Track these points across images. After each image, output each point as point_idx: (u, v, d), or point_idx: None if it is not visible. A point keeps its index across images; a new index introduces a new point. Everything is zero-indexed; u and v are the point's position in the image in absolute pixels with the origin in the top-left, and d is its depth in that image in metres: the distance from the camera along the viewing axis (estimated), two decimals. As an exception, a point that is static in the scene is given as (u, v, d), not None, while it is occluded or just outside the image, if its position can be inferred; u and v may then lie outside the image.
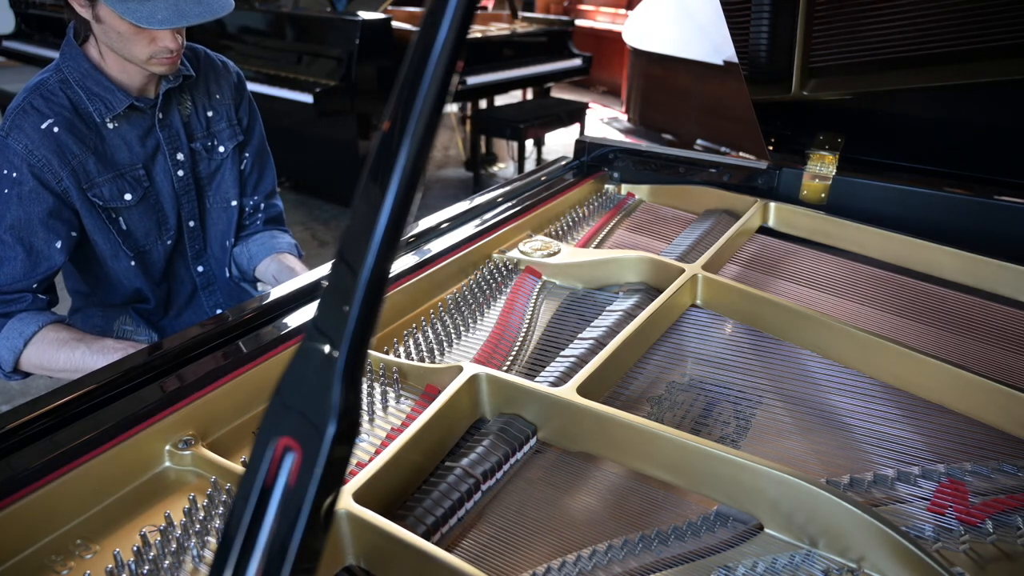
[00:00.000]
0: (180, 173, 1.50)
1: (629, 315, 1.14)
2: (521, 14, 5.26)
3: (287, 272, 1.57)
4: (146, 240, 1.48)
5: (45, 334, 1.32)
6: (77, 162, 1.34)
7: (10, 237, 1.31)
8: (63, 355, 1.29)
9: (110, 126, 1.39)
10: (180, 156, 1.50)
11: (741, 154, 4.03)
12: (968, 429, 0.93)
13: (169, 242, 1.53)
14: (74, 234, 1.38)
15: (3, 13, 5.75)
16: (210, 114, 1.55)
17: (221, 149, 1.57)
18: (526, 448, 0.90)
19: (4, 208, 1.30)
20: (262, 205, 1.69)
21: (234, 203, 1.62)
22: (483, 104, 5.09)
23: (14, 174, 1.30)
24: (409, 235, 1.32)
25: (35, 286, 1.35)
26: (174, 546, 0.75)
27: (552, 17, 5.64)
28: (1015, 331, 1.15)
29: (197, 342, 0.98)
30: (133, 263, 1.47)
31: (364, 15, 3.92)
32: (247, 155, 1.63)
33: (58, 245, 1.35)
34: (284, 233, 1.72)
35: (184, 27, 1.31)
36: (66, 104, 1.35)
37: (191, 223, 1.56)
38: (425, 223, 1.37)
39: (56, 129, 1.32)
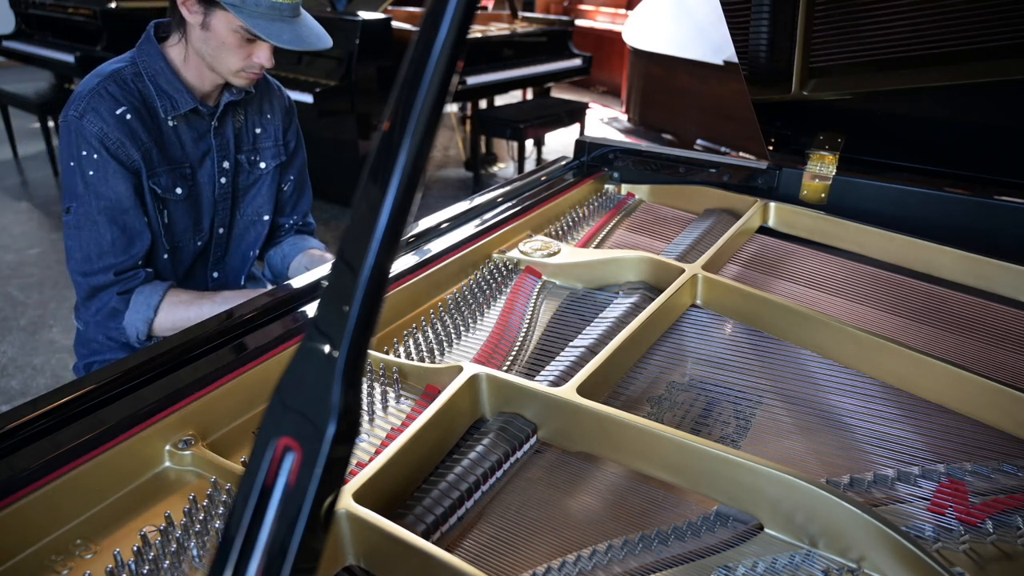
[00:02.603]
0: (223, 180, 1.56)
1: (629, 315, 1.14)
2: (521, 14, 5.26)
3: (319, 261, 1.65)
4: (182, 237, 1.53)
5: (169, 299, 1.43)
6: (144, 149, 1.41)
7: (104, 218, 1.37)
8: (192, 312, 1.39)
9: (170, 123, 1.45)
10: (226, 164, 1.55)
11: (741, 154, 4.03)
12: (968, 429, 0.93)
13: (200, 243, 1.57)
14: (150, 207, 1.45)
15: (3, 13, 5.74)
16: (258, 131, 1.61)
17: (263, 165, 1.63)
18: (526, 448, 0.90)
19: (93, 190, 1.36)
20: (300, 223, 1.78)
21: (266, 218, 1.67)
22: (483, 104, 5.09)
23: (94, 155, 1.35)
24: (409, 235, 1.32)
25: (140, 263, 1.43)
26: (174, 546, 0.75)
27: (552, 17, 5.64)
28: (1015, 331, 1.15)
29: (197, 342, 0.98)
30: (166, 256, 1.52)
31: (364, 15, 3.93)
32: (291, 177, 1.71)
33: (147, 220, 1.42)
34: (312, 237, 1.82)
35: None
36: (137, 95, 1.41)
37: (220, 230, 1.61)
38: (425, 223, 1.37)
39: (128, 116, 1.38)
